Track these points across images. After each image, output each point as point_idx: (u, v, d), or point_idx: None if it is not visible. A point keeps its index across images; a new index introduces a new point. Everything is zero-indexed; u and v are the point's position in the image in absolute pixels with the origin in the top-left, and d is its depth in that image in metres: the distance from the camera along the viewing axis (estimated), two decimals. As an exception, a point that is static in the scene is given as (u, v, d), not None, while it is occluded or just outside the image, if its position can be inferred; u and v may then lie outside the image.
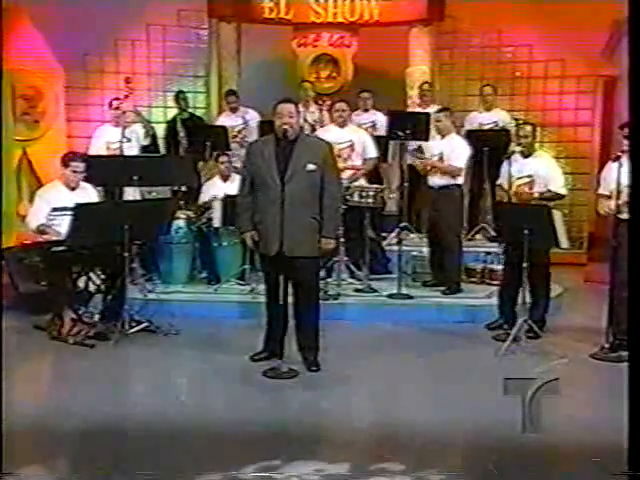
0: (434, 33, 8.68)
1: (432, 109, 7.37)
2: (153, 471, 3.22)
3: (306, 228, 4.41)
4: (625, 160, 4.87)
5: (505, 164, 5.61)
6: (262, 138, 5.27)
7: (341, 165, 6.20)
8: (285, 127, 4.34)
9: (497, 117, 7.72)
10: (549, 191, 5.47)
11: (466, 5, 8.12)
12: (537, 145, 6.07)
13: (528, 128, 5.64)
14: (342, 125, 6.50)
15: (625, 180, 4.84)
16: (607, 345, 4.98)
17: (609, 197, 5.07)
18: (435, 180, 6.29)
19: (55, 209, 5.34)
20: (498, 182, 5.76)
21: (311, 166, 4.37)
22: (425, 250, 6.57)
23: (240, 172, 4.91)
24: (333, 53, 9.17)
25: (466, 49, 8.61)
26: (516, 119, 7.02)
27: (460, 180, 6.31)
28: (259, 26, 8.76)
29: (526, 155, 5.55)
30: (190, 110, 8.07)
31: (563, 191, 5.60)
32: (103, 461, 3.35)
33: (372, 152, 6.57)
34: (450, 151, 6.23)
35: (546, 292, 5.50)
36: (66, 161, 5.50)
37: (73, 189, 5.50)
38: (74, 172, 5.45)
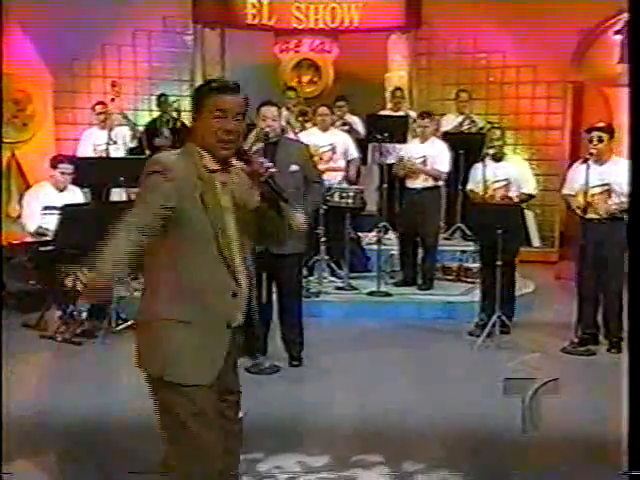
0: (412, 39, 8.88)
1: (411, 113, 7.59)
2: (137, 465, 3.27)
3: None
4: (591, 162, 5.10)
5: (479, 167, 5.81)
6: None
7: (323, 167, 6.38)
8: (267, 129, 4.44)
9: (467, 121, 7.94)
10: (523, 194, 5.70)
11: (442, 13, 8.30)
12: (510, 148, 6.27)
13: (497, 132, 5.85)
14: (324, 129, 6.66)
15: (592, 181, 5.08)
16: (576, 339, 5.16)
17: (573, 196, 5.29)
18: (417, 183, 6.46)
19: (46, 207, 5.48)
20: (470, 186, 5.91)
21: (294, 167, 4.44)
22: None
23: None
24: (314, 58, 9.32)
25: (442, 55, 8.80)
26: (491, 123, 7.22)
27: (440, 182, 6.52)
28: (243, 32, 8.88)
29: (498, 159, 5.74)
30: (174, 113, 8.16)
31: (534, 192, 5.84)
32: (89, 458, 3.44)
33: (354, 154, 6.74)
34: (434, 155, 6.40)
35: (511, 288, 5.65)
36: (55, 163, 5.64)
37: (61, 190, 5.62)
38: (62, 174, 5.58)
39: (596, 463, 3.43)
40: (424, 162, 6.41)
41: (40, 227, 5.50)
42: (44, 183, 5.72)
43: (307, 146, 4.91)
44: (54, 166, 5.61)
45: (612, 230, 5.07)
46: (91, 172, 5.97)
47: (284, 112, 7.67)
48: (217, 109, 2.19)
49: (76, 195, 5.72)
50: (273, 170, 2.22)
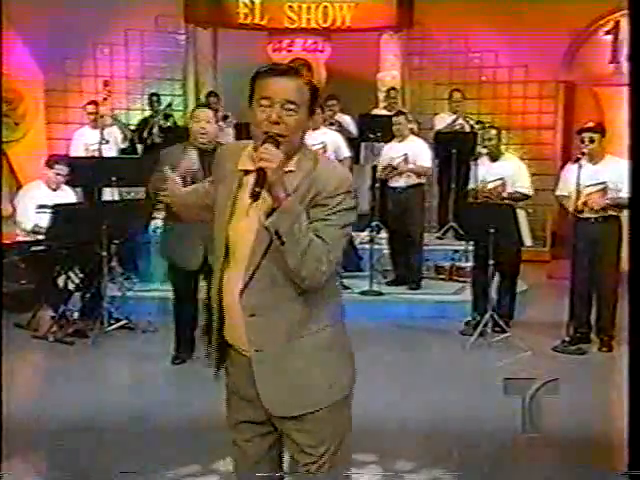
0: (404, 39, 8.93)
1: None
2: (133, 465, 3.30)
3: None
4: (584, 162, 5.13)
5: (472, 166, 5.84)
6: (181, 145, 4.62)
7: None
8: (202, 133, 4.17)
9: (459, 120, 7.99)
10: (517, 192, 5.70)
11: (434, 13, 8.35)
12: (503, 147, 6.29)
13: (493, 131, 5.84)
14: (315, 127, 6.66)
15: (583, 180, 5.11)
16: (568, 338, 5.19)
17: (567, 197, 5.31)
18: (400, 181, 6.49)
19: (40, 206, 5.48)
20: (470, 185, 5.94)
21: None
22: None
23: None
24: (306, 58, 9.33)
25: (435, 55, 8.85)
26: (482, 122, 7.25)
27: (423, 179, 6.54)
28: (235, 31, 8.92)
29: (494, 158, 5.75)
30: (167, 112, 8.18)
31: (530, 192, 5.81)
32: (80, 458, 3.43)
33: (345, 152, 6.74)
34: (416, 152, 6.43)
35: (512, 288, 5.70)
36: (51, 163, 5.66)
37: (54, 190, 5.63)
38: (57, 175, 5.59)
39: (593, 462, 3.45)
40: (405, 160, 6.42)
41: (36, 225, 5.51)
42: (37, 182, 5.73)
43: None
44: (50, 166, 5.62)
45: (607, 229, 5.10)
46: (83, 172, 5.98)
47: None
48: (262, 97, 1.86)
49: (69, 195, 5.73)
50: (265, 163, 1.75)
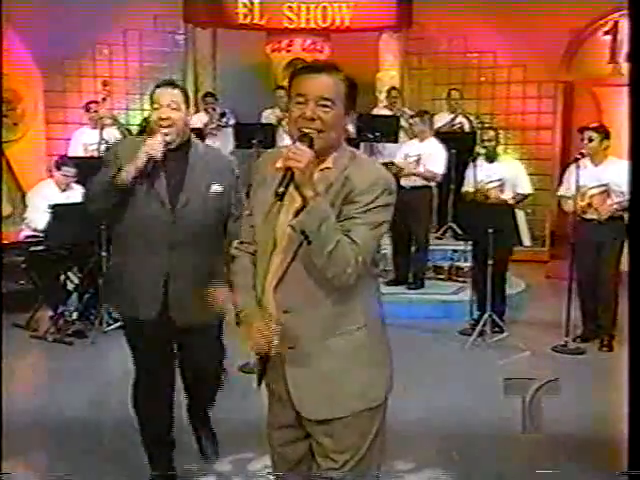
0: (403, 39, 8.94)
1: (406, 110, 7.62)
2: (129, 467, 3.31)
3: (204, 281, 2.49)
4: (585, 162, 5.13)
5: (470, 167, 5.84)
6: (136, 138, 3.72)
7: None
8: (166, 123, 2.74)
9: (458, 119, 8.00)
10: (518, 194, 5.71)
11: (433, 13, 8.34)
12: (501, 148, 6.29)
13: (491, 132, 5.86)
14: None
15: (585, 181, 5.10)
16: (567, 338, 5.19)
17: (569, 198, 5.29)
18: (408, 181, 6.46)
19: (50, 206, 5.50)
20: (464, 188, 5.92)
21: (216, 187, 2.85)
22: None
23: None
24: (306, 58, 9.32)
25: (434, 55, 8.88)
26: (481, 122, 7.25)
27: (432, 183, 6.52)
28: (234, 31, 8.90)
29: (491, 159, 5.75)
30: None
31: (530, 190, 5.85)
32: (80, 458, 3.43)
33: None
34: (429, 155, 6.39)
35: (502, 287, 5.66)
36: (58, 165, 5.68)
37: (64, 190, 5.64)
38: (65, 176, 5.60)
39: (593, 462, 3.45)
40: (418, 161, 6.40)
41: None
42: (48, 181, 5.75)
43: (232, 160, 3.11)
44: (57, 168, 5.64)
45: (612, 230, 5.07)
46: (83, 172, 5.97)
47: (276, 111, 7.70)
48: (297, 93, 1.88)
49: (78, 195, 5.71)
50: (292, 162, 1.76)
